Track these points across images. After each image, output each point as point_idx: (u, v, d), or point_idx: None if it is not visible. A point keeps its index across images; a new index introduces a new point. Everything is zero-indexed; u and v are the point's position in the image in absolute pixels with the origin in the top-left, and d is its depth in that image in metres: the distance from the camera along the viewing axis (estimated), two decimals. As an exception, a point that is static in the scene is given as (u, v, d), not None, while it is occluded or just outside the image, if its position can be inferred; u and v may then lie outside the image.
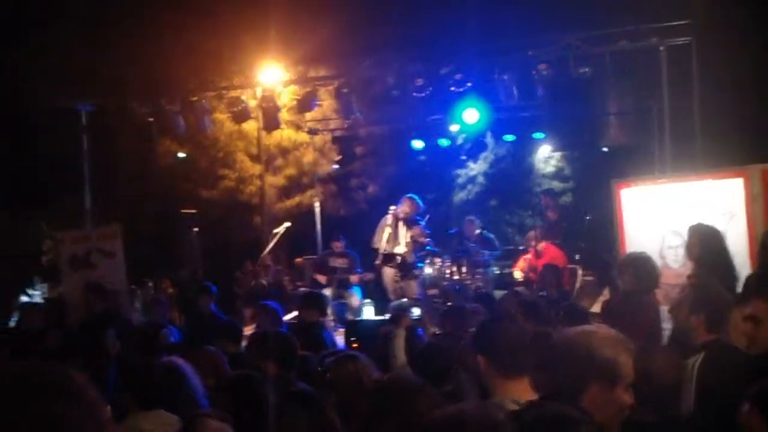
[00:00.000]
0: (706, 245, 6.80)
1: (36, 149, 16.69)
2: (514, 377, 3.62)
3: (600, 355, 3.03)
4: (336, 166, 17.08)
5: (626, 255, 7.56)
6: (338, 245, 13.76)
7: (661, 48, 11.28)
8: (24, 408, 1.55)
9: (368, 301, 13.66)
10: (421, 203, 12.97)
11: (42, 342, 8.70)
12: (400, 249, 12.80)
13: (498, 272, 14.25)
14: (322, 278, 13.63)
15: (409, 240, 12.71)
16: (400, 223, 12.87)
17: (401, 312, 8.03)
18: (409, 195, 13.02)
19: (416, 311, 7.96)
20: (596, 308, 9.45)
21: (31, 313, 10.37)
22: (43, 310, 10.71)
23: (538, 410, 2.70)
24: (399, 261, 12.87)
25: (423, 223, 13.03)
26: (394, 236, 12.85)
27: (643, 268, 6.50)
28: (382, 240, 12.78)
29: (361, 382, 4.77)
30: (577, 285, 12.60)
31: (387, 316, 10.26)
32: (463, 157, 19.55)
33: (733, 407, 3.60)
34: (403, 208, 12.79)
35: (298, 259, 15.46)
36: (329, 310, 13.01)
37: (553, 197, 15.22)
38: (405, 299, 11.27)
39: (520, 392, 3.56)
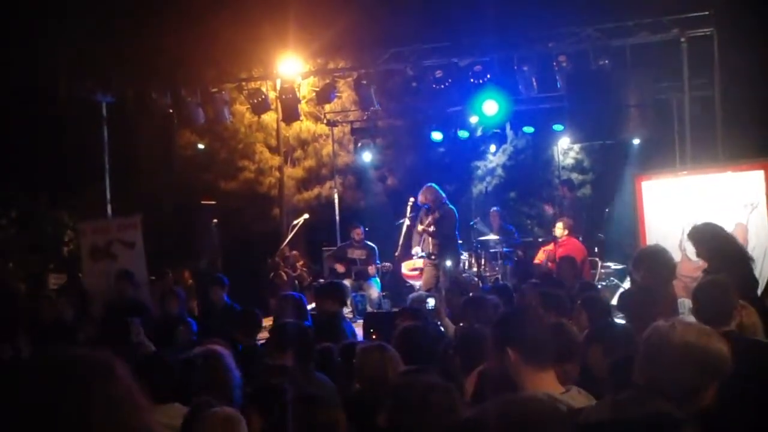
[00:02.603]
0: (710, 245, 6.80)
1: (57, 141, 16.78)
2: (544, 369, 3.63)
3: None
4: (369, 160, 16.99)
5: (640, 249, 7.55)
6: (358, 232, 13.85)
7: (682, 39, 11.23)
8: (68, 388, 1.63)
9: (384, 293, 13.72)
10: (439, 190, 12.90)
11: (74, 332, 8.75)
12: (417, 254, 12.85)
13: (516, 263, 14.22)
14: (340, 267, 13.70)
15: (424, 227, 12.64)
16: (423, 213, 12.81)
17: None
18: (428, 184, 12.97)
19: (431, 302, 7.93)
20: (615, 300, 9.46)
21: (62, 303, 10.46)
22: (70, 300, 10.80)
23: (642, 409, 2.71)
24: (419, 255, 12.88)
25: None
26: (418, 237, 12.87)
27: (657, 261, 6.49)
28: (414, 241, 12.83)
29: (386, 373, 4.78)
30: (597, 277, 12.59)
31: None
32: (487, 148, 19.48)
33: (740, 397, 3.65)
34: (421, 197, 12.73)
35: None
36: (348, 301, 13.11)
37: (571, 188, 15.22)
38: (422, 291, 11.23)
39: (549, 385, 3.58)
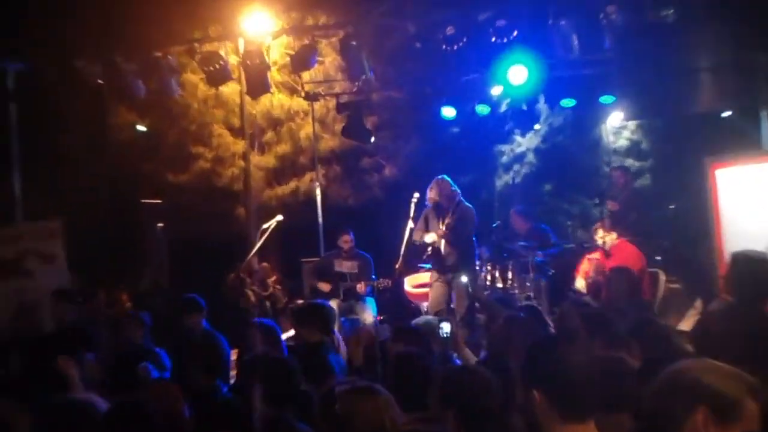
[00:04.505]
0: None
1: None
2: (579, 421, 3.56)
3: (711, 383, 3.11)
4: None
5: (733, 254, 7.36)
6: (347, 239, 13.88)
7: (773, -19, 11.18)
8: None
9: (382, 317, 13.66)
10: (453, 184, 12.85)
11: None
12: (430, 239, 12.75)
13: (554, 277, 14.19)
14: (324, 286, 13.69)
15: (442, 231, 12.58)
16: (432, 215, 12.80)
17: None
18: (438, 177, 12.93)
19: (446, 327, 7.85)
20: (685, 325, 9.42)
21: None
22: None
23: None
24: (429, 254, 12.83)
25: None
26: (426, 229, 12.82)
27: (755, 270, 6.35)
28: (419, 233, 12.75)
29: (382, 426, 4.69)
30: (660, 294, 12.58)
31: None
32: (513, 128, 19.45)
33: None
34: (430, 194, 12.70)
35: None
36: (336, 327, 13.09)
37: (628, 175, 15.32)
38: (431, 315, 11.20)
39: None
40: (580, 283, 13.25)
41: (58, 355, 7.27)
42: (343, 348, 9.56)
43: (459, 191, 12.77)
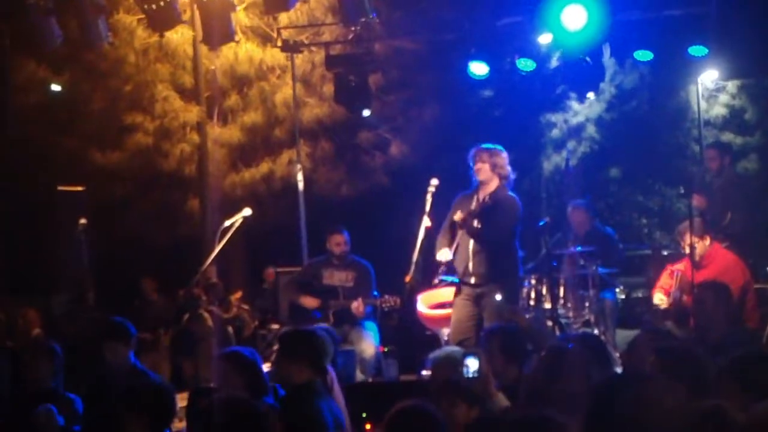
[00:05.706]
0: None
1: None
2: None
3: None
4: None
5: None
6: (339, 242, 13.76)
7: None
8: None
9: (387, 348, 13.47)
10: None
11: None
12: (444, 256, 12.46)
13: (624, 296, 14.11)
14: (309, 301, 13.61)
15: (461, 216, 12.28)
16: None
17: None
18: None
19: (472, 365, 7.65)
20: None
21: None
22: None
23: None
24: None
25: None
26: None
27: None
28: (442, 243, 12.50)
29: None
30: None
31: (426, 374, 10.45)
32: (567, 92, 19.42)
33: None
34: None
35: (270, 270, 15.36)
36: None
37: (726, 156, 15.14)
38: (454, 346, 11.00)
39: None
40: (659, 298, 13.16)
41: None
42: (337, 388, 9.47)
43: None
